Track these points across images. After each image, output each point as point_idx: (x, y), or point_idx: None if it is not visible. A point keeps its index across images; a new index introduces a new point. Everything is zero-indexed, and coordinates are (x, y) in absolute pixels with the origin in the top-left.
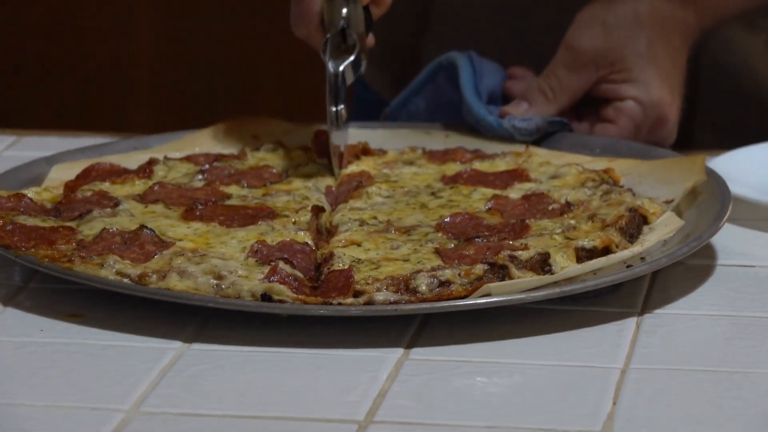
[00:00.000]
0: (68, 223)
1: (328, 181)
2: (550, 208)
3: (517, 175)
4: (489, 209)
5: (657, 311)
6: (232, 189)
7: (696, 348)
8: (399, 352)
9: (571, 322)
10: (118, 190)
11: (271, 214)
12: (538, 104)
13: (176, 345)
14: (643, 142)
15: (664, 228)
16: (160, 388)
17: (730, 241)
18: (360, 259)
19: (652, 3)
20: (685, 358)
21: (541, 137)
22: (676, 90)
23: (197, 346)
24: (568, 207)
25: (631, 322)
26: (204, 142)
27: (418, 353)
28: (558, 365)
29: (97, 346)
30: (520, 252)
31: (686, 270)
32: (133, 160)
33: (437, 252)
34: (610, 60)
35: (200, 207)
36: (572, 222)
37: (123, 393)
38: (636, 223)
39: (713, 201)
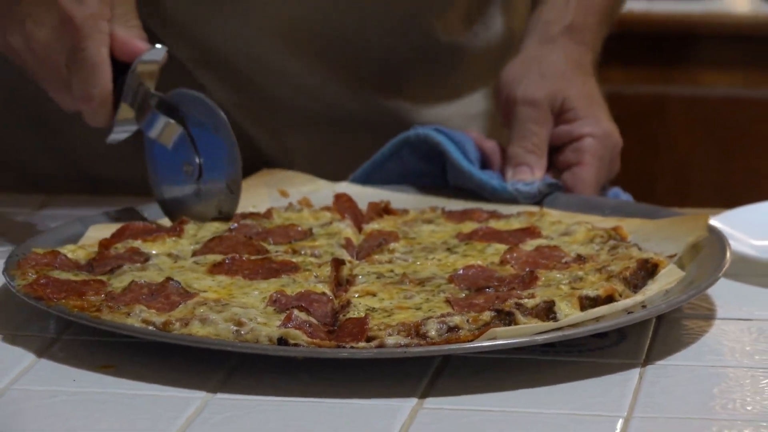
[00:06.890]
0: (99, 277)
1: (348, 236)
2: (563, 261)
3: (530, 232)
4: (502, 261)
5: (660, 362)
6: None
7: (697, 398)
8: (413, 401)
9: (578, 372)
10: (149, 247)
11: (294, 268)
12: (535, 165)
13: (201, 394)
14: (605, 176)
15: (665, 279)
16: None
17: (730, 296)
18: (374, 308)
19: (566, 50)
20: (687, 408)
21: (553, 200)
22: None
23: (221, 396)
24: (580, 259)
25: (634, 373)
26: None
27: (432, 402)
28: (566, 413)
29: (127, 395)
30: (526, 300)
31: (688, 323)
32: (166, 217)
33: (448, 301)
34: (559, 104)
35: (227, 261)
36: (580, 273)
37: None
38: (642, 275)
39: (713, 255)
